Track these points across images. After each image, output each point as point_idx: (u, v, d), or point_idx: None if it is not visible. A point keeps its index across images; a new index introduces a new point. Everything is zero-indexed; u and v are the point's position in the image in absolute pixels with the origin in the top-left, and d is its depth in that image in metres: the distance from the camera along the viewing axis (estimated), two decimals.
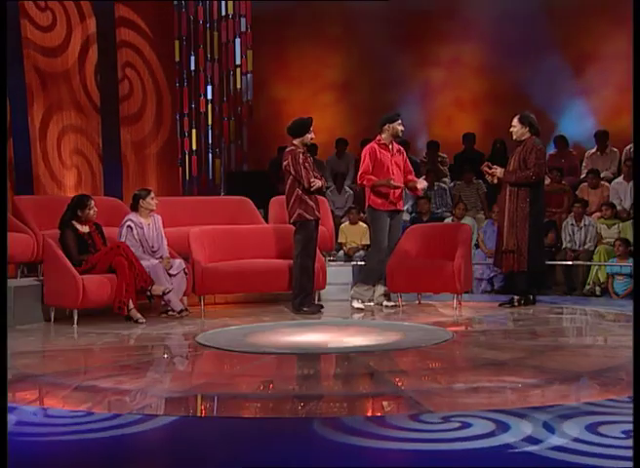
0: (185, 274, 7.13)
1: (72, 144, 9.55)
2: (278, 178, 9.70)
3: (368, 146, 7.46)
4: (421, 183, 7.54)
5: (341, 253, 9.74)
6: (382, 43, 12.30)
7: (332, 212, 9.20)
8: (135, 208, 7.24)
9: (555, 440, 2.96)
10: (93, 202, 6.99)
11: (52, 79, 9.26)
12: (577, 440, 2.96)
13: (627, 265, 8.45)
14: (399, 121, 7.36)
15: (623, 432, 3.03)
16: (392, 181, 7.21)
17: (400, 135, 7.47)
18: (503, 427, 3.13)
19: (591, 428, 3.09)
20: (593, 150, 10.57)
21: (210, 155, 12.33)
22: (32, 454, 3.02)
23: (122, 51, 10.40)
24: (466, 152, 11.38)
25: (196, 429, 3.37)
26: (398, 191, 7.38)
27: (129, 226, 7.08)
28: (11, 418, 3.35)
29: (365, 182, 7.31)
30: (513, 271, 7.19)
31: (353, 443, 3.04)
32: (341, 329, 6.37)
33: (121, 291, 6.60)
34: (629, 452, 2.77)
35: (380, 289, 7.44)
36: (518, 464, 2.77)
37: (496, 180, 7.29)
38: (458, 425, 3.19)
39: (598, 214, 9.46)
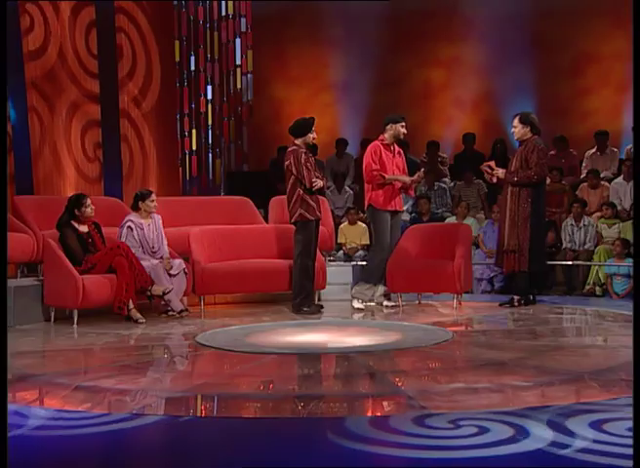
0: (185, 274, 7.13)
1: (72, 144, 9.55)
2: (278, 178, 9.71)
3: (372, 144, 7.46)
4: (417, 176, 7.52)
5: (341, 253, 9.74)
6: (382, 43, 12.30)
7: (332, 212, 9.20)
8: (135, 208, 7.24)
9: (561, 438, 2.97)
10: (89, 200, 6.97)
11: (52, 78, 9.26)
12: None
13: (625, 265, 8.45)
14: (402, 123, 7.37)
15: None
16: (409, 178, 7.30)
17: (402, 137, 7.49)
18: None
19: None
20: (593, 150, 10.57)
21: (210, 155, 12.33)
22: (32, 454, 3.02)
23: (122, 56, 10.41)
24: (466, 152, 11.38)
25: (196, 429, 3.37)
26: (399, 191, 7.39)
27: (129, 227, 7.08)
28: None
29: (378, 174, 7.27)
30: (514, 271, 7.18)
31: (353, 443, 3.04)
32: (341, 329, 6.37)
33: (121, 291, 6.60)
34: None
35: (381, 289, 7.45)
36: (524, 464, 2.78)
37: (495, 180, 7.30)
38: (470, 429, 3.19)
39: (598, 213, 9.46)
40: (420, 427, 3.21)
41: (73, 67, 9.59)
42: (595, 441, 2.95)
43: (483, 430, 3.10)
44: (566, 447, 2.89)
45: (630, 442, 2.87)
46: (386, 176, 7.27)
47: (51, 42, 9.27)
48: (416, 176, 7.43)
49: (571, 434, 3.02)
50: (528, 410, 3.39)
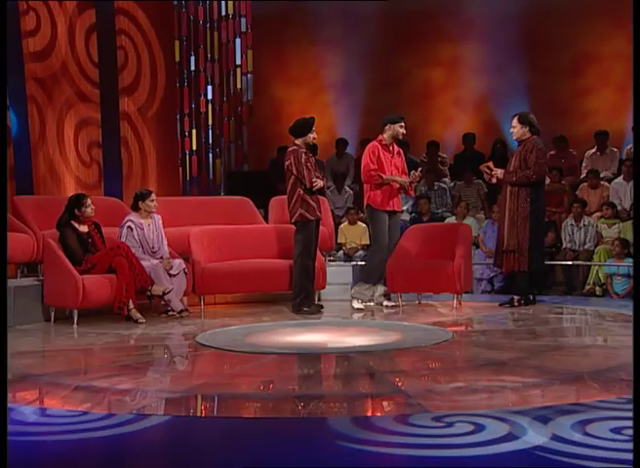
0: (185, 274, 7.13)
1: (72, 144, 9.55)
2: (278, 178, 9.72)
3: (371, 144, 7.46)
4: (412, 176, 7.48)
5: (341, 253, 9.74)
6: (382, 43, 12.30)
7: (332, 212, 9.20)
8: (135, 208, 7.24)
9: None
10: (89, 200, 6.97)
11: (51, 78, 9.27)
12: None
13: (624, 265, 8.45)
14: (401, 123, 7.36)
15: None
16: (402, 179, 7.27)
17: (400, 137, 7.48)
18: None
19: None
20: (593, 150, 10.57)
21: (210, 155, 12.33)
22: (31, 454, 3.02)
23: (122, 54, 10.41)
24: (466, 152, 11.38)
25: (196, 429, 3.37)
26: (397, 192, 7.39)
27: (129, 227, 7.09)
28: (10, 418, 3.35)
29: (376, 179, 7.26)
30: (514, 271, 7.18)
31: (353, 442, 3.04)
32: (341, 329, 6.37)
33: (121, 291, 6.60)
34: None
35: (381, 288, 7.44)
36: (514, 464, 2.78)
37: (494, 180, 7.30)
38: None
39: (598, 213, 9.46)
40: (420, 427, 3.21)
41: (73, 69, 9.59)
42: (577, 443, 2.94)
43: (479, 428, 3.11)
44: (549, 449, 2.89)
45: (614, 445, 2.88)
46: (384, 177, 7.27)
47: (51, 44, 9.27)
48: (412, 177, 7.40)
49: (557, 436, 3.02)
50: (525, 410, 3.39)
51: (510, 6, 11.81)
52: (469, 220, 9.66)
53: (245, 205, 8.68)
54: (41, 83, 9.11)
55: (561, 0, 11.61)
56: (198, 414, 3.85)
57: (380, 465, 2.94)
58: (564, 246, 9.22)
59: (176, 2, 11.91)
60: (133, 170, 10.51)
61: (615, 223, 9.18)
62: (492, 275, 9.29)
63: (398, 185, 7.36)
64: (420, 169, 7.65)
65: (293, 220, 7.11)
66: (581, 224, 9.17)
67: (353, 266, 8.62)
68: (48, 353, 5.62)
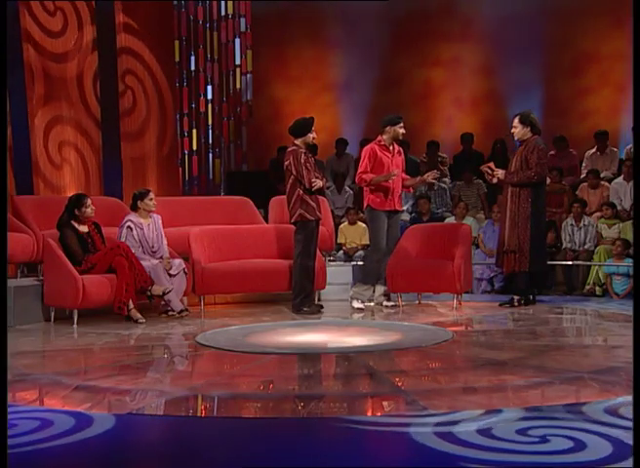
0: (185, 274, 7.13)
1: (72, 144, 9.55)
2: (278, 178, 9.72)
3: (368, 147, 7.47)
4: (431, 175, 7.54)
5: (341, 253, 9.74)
6: (382, 43, 12.31)
7: (332, 212, 9.20)
8: (134, 208, 7.24)
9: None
10: (89, 200, 6.98)
11: (52, 78, 9.27)
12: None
13: (624, 265, 8.45)
14: (401, 124, 7.37)
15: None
16: (393, 172, 7.25)
17: (401, 138, 7.50)
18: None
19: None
20: (593, 150, 10.57)
21: (210, 155, 12.34)
22: (32, 455, 3.02)
23: (122, 55, 10.41)
24: (465, 152, 11.37)
25: (196, 429, 3.37)
26: (397, 191, 7.39)
27: (129, 227, 7.09)
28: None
29: (365, 177, 7.30)
30: (515, 271, 7.18)
31: (353, 442, 3.04)
32: (341, 329, 6.36)
33: (121, 291, 6.60)
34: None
35: (380, 288, 7.44)
36: None
37: (495, 180, 7.30)
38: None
39: (598, 213, 9.46)
40: (422, 428, 3.22)
41: (75, 69, 9.60)
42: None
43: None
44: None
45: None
46: (374, 178, 7.25)
47: (54, 45, 9.29)
48: (424, 176, 7.50)
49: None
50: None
51: (510, 6, 11.81)
52: (469, 220, 9.65)
53: (245, 205, 8.68)
54: (41, 81, 9.11)
55: (561, 0, 11.62)
56: (198, 414, 3.85)
57: (380, 465, 2.94)
58: (564, 246, 9.21)
59: (176, 2, 11.91)
60: (133, 170, 10.50)
61: (615, 223, 9.17)
62: (492, 275, 9.29)
63: (406, 183, 7.41)
64: (433, 171, 7.72)
65: (293, 220, 7.11)
66: (581, 224, 9.16)
67: (353, 266, 8.62)
68: (48, 353, 5.61)
